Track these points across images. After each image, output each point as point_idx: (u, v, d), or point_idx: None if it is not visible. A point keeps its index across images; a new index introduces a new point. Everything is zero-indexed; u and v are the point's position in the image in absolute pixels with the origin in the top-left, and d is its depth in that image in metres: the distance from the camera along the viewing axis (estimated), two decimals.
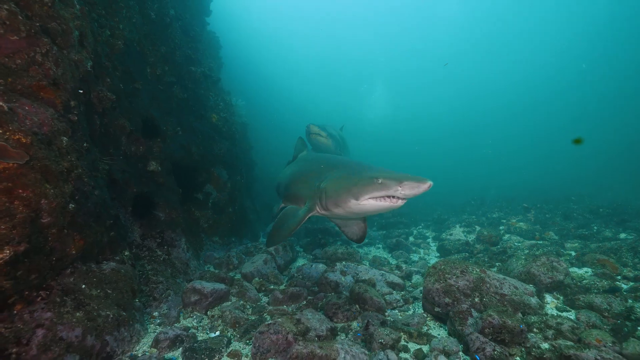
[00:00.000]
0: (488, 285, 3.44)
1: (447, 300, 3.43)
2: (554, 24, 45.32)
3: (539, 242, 6.45)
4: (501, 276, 3.61)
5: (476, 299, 3.36)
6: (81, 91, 3.44)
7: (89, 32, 3.73)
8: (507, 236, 6.98)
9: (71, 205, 2.78)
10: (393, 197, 2.98)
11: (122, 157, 4.65)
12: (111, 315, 2.83)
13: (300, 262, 6.27)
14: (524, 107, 54.17)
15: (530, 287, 3.62)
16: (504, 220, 8.23)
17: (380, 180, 2.94)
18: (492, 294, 3.38)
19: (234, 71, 15.21)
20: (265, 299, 4.48)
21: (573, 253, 5.45)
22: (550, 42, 47.55)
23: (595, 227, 7.01)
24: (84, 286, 2.85)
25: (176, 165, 5.98)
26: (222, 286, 4.23)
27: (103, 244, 3.47)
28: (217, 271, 5.51)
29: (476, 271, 3.59)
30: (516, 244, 6.43)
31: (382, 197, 3.00)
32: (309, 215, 3.81)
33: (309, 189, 3.97)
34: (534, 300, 3.38)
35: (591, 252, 5.15)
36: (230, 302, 4.18)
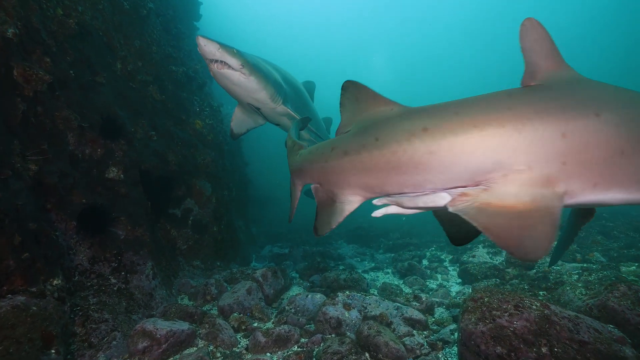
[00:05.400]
0: (558, 327, 2.37)
1: (499, 350, 2.35)
2: None
3: (583, 264, 5.36)
4: (572, 313, 2.54)
5: (543, 349, 2.28)
6: None
7: None
8: None
9: None
10: None
11: (68, 158, 3.71)
12: None
13: (295, 290, 5.18)
14: None
15: (615, 330, 2.54)
16: None
17: None
18: (566, 341, 2.30)
19: None
20: (244, 342, 3.39)
21: (635, 279, 4.37)
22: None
23: None
24: None
25: (147, 175, 5.03)
26: (185, 326, 3.16)
27: (7, 270, 2.47)
28: (190, 303, 4.44)
29: (536, 305, 2.53)
30: (555, 267, 5.33)
31: None
32: None
33: None
34: (629, 352, 2.29)
35: None
36: (194, 349, 3.09)
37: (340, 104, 2.26)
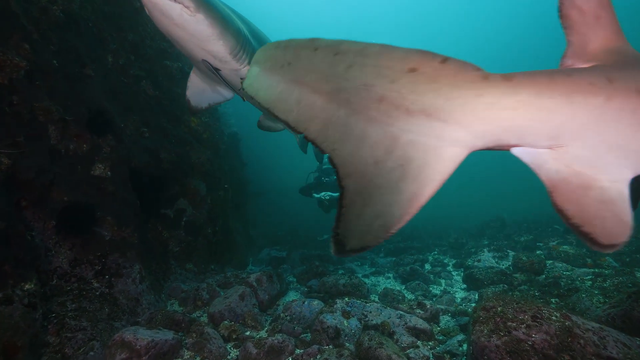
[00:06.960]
0: (582, 341, 2.11)
1: None
2: None
3: (595, 270, 5.09)
4: (596, 325, 2.28)
5: None
6: None
7: None
8: (549, 262, 5.63)
9: None
10: None
11: (49, 152, 3.47)
12: None
13: (292, 296, 4.93)
14: None
15: None
16: (541, 244, 6.88)
17: None
18: (592, 357, 2.05)
19: None
20: (234, 353, 3.13)
21: None
22: None
23: None
24: None
25: (137, 173, 4.78)
26: (170, 336, 2.91)
27: None
28: (179, 310, 4.19)
29: (556, 316, 2.27)
30: (565, 272, 5.07)
31: None
32: None
33: None
34: None
35: None
36: None
37: (565, 14, 1.34)
